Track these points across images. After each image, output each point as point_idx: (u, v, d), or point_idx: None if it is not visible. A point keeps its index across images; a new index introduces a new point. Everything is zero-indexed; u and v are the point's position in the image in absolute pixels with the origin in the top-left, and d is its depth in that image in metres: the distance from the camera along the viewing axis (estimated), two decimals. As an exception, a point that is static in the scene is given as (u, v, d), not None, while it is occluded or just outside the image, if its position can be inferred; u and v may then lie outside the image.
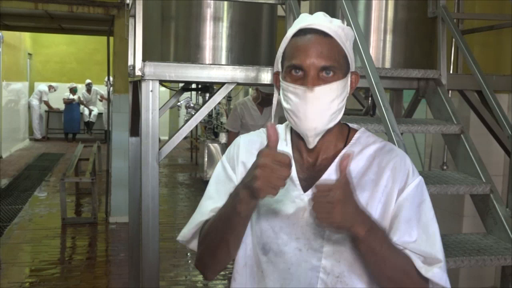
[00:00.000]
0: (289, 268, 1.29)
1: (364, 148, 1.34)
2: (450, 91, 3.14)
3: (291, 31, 1.32)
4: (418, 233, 1.26)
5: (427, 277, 1.24)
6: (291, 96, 1.29)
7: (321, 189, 1.14)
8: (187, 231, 1.42)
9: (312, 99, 1.26)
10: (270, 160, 1.12)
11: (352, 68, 1.34)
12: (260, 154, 1.15)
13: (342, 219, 1.13)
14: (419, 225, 1.27)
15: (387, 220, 1.27)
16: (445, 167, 3.50)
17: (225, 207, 1.29)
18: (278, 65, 1.36)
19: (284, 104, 1.31)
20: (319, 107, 1.26)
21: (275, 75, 1.38)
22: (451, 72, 3.48)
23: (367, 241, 1.18)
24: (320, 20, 1.31)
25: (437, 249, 1.27)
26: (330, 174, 1.31)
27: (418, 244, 1.25)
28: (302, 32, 1.30)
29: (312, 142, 1.30)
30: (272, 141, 1.16)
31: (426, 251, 1.25)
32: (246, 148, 1.40)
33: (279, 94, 1.36)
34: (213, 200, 1.39)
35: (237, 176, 1.37)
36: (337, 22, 1.33)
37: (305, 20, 1.32)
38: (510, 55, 3.89)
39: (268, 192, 1.12)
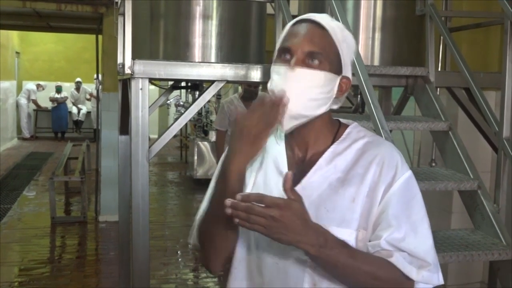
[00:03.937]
0: (277, 263, 1.29)
1: (353, 143, 1.33)
2: (438, 89, 3.16)
3: (290, 22, 1.35)
4: (405, 230, 1.23)
5: (417, 280, 1.22)
6: (273, 76, 1.30)
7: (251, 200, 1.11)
8: (193, 234, 1.44)
9: (291, 78, 1.26)
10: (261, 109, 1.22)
11: (345, 73, 1.33)
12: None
13: (280, 236, 1.12)
14: (408, 222, 1.24)
15: (373, 215, 1.26)
16: (433, 164, 3.51)
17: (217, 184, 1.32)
18: (274, 57, 1.37)
19: (268, 86, 1.32)
20: (296, 88, 1.26)
21: None
22: (439, 69, 3.50)
23: (321, 257, 1.16)
24: (321, 16, 1.33)
25: (426, 249, 1.25)
26: (317, 170, 1.31)
27: (406, 243, 1.23)
28: (299, 21, 1.33)
29: (285, 125, 1.28)
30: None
31: (414, 250, 1.23)
32: None
33: None
34: None
35: None
36: (338, 23, 1.34)
37: (307, 14, 1.34)
38: (497, 52, 3.92)
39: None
